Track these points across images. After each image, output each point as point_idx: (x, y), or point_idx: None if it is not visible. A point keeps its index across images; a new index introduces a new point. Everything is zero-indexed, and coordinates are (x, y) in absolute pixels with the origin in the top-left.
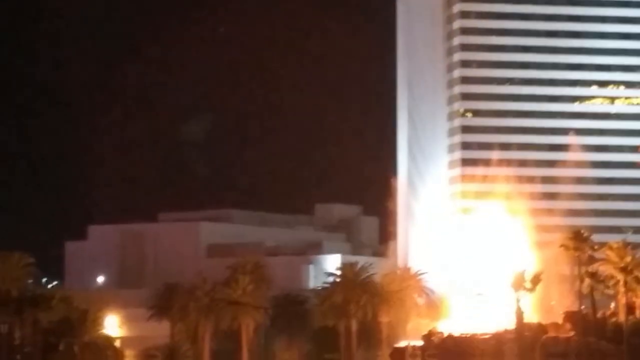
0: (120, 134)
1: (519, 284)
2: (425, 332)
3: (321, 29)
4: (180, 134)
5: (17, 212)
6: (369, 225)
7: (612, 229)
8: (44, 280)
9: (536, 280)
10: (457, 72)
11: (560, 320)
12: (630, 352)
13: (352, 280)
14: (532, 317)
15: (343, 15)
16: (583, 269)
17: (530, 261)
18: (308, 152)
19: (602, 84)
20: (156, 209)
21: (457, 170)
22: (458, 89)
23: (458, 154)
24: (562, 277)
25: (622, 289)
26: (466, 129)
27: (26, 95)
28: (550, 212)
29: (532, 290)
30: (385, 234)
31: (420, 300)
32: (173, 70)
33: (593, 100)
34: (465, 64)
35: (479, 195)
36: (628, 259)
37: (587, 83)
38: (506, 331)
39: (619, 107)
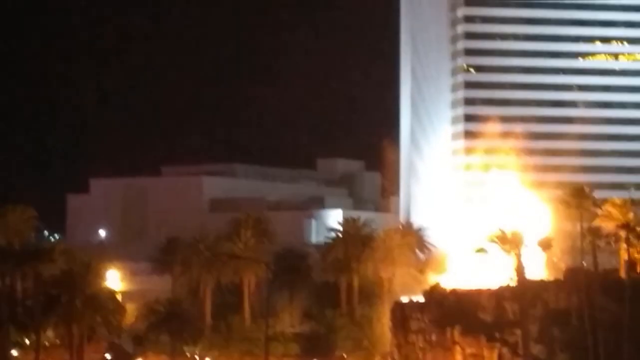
0: (124, 86)
1: (521, 240)
2: (426, 287)
3: None
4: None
5: (19, 165)
6: (371, 180)
7: (614, 185)
8: (45, 233)
9: (547, 244)
10: (461, 28)
11: (561, 277)
12: (631, 309)
13: (353, 236)
14: (533, 273)
15: None
16: (585, 226)
17: (532, 218)
18: (311, 106)
19: (606, 40)
20: (159, 163)
21: (460, 126)
22: (462, 44)
23: (461, 110)
24: (563, 234)
25: (623, 246)
26: (469, 85)
27: (28, 43)
28: (552, 168)
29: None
30: (388, 189)
31: (422, 256)
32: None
33: (597, 57)
34: (468, 19)
35: (482, 151)
36: (630, 215)
37: (591, 39)
38: (508, 287)
39: (622, 63)
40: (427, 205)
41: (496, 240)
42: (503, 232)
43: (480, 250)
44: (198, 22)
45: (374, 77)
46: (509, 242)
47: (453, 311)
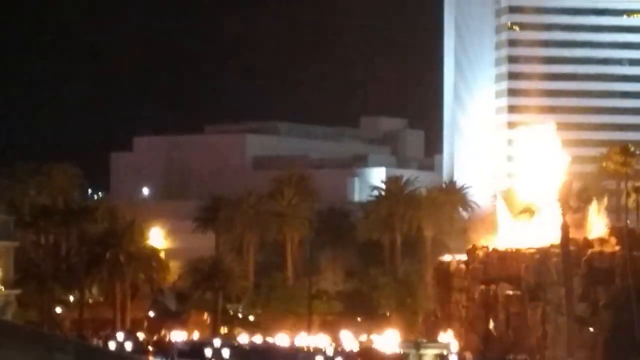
0: (168, 45)
1: (565, 199)
2: (469, 246)
3: None
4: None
5: (63, 123)
6: (415, 138)
7: None
8: (89, 191)
9: (585, 198)
10: None
11: (605, 236)
12: None
13: (396, 194)
14: (577, 232)
15: None
16: (629, 184)
17: (576, 176)
18: (355, 64)
19: None
20: (203, 121)
21: (504, 84)
22: (506, 1)
23: (505, 68)
24: (608, 192)
25: None
26: (513, 43)
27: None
28: (596, 126)
29: (579, 207)
30: (431, 147)
31: (465, 214)
32: None
33: None
34: None
35: (526, 109)
36: None
37: None
38: (551, 246)
39: None
40: (471, 164)
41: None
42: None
43: (525, 210)
44: None
45: (418, 35)
46: (554, 201)
47: (496, 270)
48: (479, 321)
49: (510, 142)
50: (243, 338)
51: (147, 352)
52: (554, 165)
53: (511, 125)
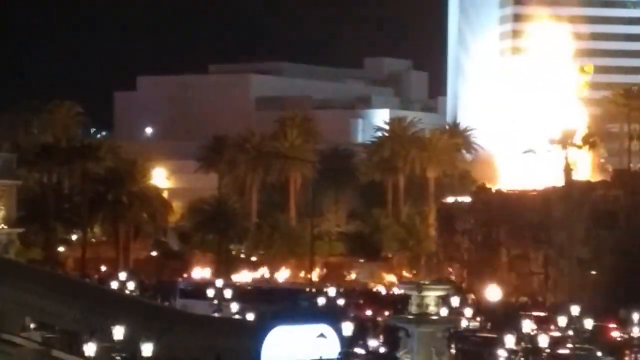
0: None
1: (567, 141)
2: (472, 188)
3: None
4: None
5: (66, 61)
6: (419, 79)
7: None
8: (92, 130)
9: (591, 142)
10: None
11: (608, 178)
12: None
13: (400, 135)
14: (580, 174)
15: None
16: (633, 127)
17: (580, 118)
18: (359, 5)
19: None
20: (206, 61)
21: (508, 26)
22: None
23: (510, 9)
24: (611, 135)
25: None
26: None
27: None
28: (601, 69)
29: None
30: (435, 89)
31: (469, 156)
32: None
33: None
34: None
35: (530, 51)
36: None
37: None
38: (554, 188)
39: None
40: (474, 106)
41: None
42: (551, 133)
43: (528, 151)
44: None
45: None
46: (557, 142)
47: (499, 212)
48: (481, 263)
49: (514, 83)
50: (245, 278)
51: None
52: (557, 108)
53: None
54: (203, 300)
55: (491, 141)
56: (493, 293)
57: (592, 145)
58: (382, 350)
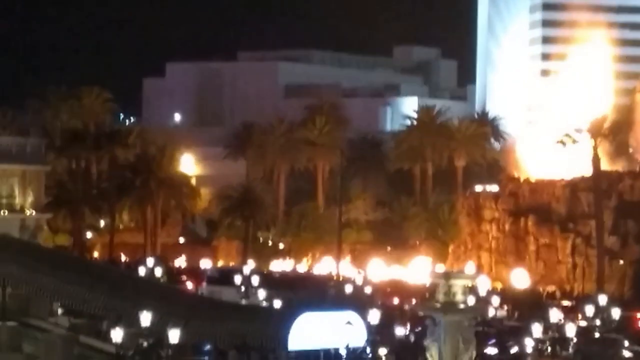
0: None
1: (597, 131)
2: (500, 177)
3: None
4: None
5: (96, 48)
6: (448, 68)
7: None
8: (121, 116)
9: (617, 131)
10: None
11: (637, 168)
12: None
13: (428, 124)
14: (609, 164)
15: None
16: None
17: (610, 108)
18: None
19: None
20: (235, 48)
21: (538, 15)
22: None
23: None
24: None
25: None
26: None
27: None
28: (631, 59)
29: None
30: (464, 77)
31: (497, 145)
32: None
33: None
34: None
35: (560, 40)
36: None
37: None
38: (582, 178)
39: None
40: (504, 95)
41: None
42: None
43: (560, 142)
44: None
45: None
46: (585, 131)
47: (527, 201)
48: (508, 253)
49: (544, 73)
50: (273, 266)
51: (177, 278)
52: (588, 98)
53: (545, 56)
54: (230, 287)
55: (520, 130)
56: (520, 281)
57: (620, 134)
58: (409, 338)
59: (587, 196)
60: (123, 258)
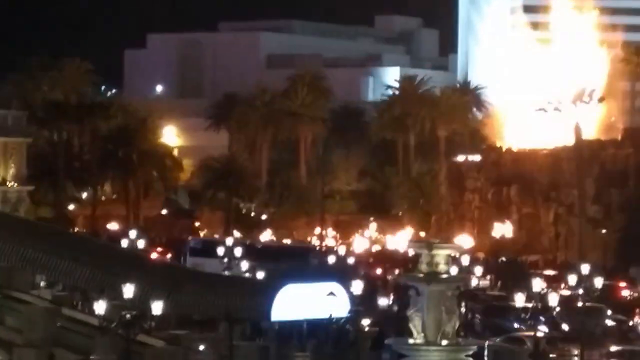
0: None
1: (579, 100)
2: (483, 147)
3: None
4: None
5: (76, 19)
6: (429, 37)
7: None
8: (102, 88)
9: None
10: None
11: (619, 137)
12: None
13: (411, 94)
14: (591, 133)
15: None
16: None
17: (592, 76)
18: None
19: None
20: (216, 18)
21: None
22: None
23: None
24: (622, 94)
25: None
26: None
27: None
28: (613, 27)
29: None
30: (445, 46)
31: (479, 115)
32: None
33: None
34: None
35: (542, 9)
36: None
37: None
38: (564, 147)
39: None
40: (485, 64)
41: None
42: (561, 91)
43: (541, 109)
44: None
45: None
46: (567, 100)
47: (509, 171)
48: (491, 222)
49: (525, 41)
50: (256, 237)
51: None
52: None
53: (526, 25)
54: (213, 259)
55: (502, 99)
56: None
57: (601, 103)
58: (392, 308)
59: (569, 165)
60: (116, 226)
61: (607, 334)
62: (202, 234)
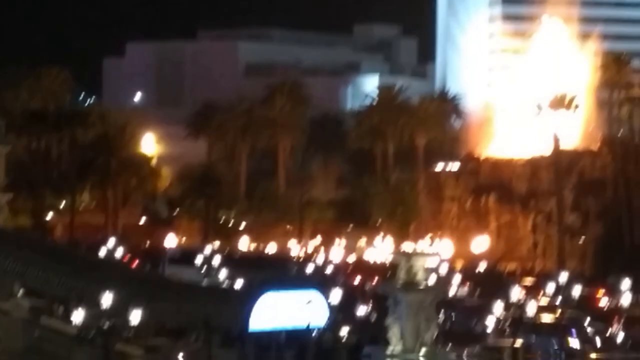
0: None
1: (557, 108)
2: (461, 155)
3: None
4: None
5: (55, 27)
6: (408, 46)
7: None
8: (81, 96)
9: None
10: None
11: (597, 146)
12: None
13: (389, 102)
14: (569, 142)
15: None
16: (622, 94)
17: (570, 85)
18: None
19: None
20: (195, 26)
21: None
22: None
23: None
24: (600, 103)
25: None
26: None
27: None
28: (592, 36)
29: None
30: (424, 55)
31: (458, 123)
32: None
33: None
34: None
35: (520, 18)
36: None
37: None
38: (543, 156)
39: None
40: (464, 73)
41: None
42: (539, 100)
43: (519, 117)
44: None
45: None
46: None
47: (488, 179)
48: (470, 231)
49: (503, 50)
50: (234, 246)
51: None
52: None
53: (505, 34)
54: (192, 267)
55: (481, 108)
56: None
57: (579, 112)
58: (370, 317)
59: (547, 174)
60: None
61: (586, 342)
62: (180, 242)
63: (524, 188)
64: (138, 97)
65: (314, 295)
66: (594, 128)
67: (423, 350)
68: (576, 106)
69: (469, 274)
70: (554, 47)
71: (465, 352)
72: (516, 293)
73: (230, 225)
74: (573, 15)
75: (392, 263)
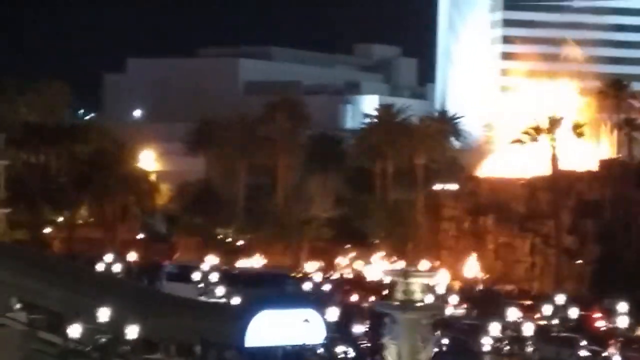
0: None
1: (555, 130)
2: (460, 175)
3: None
4: None
5: (56, 42)
6: (408, 66)
7: None
8: (81, 111)
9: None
10: None
11: (596, 168)
12: None
13: (389, 122)
14: (567, 164)
15: None
16: (621, 117)
17: (569, 108)
18: None
19: None
20: (196, 44)
21: (499, 14)
22: None
23: None
24: (599, 125)
25: None
26: None
27: None
28: (590, 60)
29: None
30: (424, 76)
31: (457, 144)
32: None
33: None
34: None
35: (521, 40)
36: None
37: None
38: (541, 177)
39: None
40: (464, 93)
41: (531, 131)
42: (539, 122)
43: (517, 141)
44: None
45: None
46: (545, 131)
47: (486, 200)
48: (467, 251)
49: (504, 71)
50: (232, 263)
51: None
52: (546, 97)
53: (505, 55)
54: (189, 284)
55: (480, 129)
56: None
57: (580, 135)
58: (367, 336)
59: (546, 195)
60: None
61: None
62: (178, 259)
63: (522, 209)
64: (138, 113)
65: (310, 313)
66: (593, 151)
67: None
68: (575, 127)
69: (466, 294)
70: (552, 70)
71: None
72: (513, 314)
73: (228, 242)
74: (570, 39)
75: (389, 282)
